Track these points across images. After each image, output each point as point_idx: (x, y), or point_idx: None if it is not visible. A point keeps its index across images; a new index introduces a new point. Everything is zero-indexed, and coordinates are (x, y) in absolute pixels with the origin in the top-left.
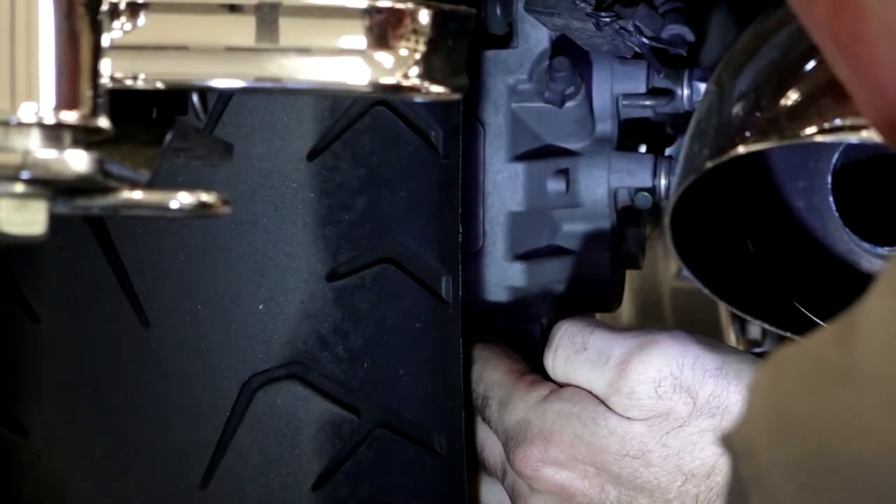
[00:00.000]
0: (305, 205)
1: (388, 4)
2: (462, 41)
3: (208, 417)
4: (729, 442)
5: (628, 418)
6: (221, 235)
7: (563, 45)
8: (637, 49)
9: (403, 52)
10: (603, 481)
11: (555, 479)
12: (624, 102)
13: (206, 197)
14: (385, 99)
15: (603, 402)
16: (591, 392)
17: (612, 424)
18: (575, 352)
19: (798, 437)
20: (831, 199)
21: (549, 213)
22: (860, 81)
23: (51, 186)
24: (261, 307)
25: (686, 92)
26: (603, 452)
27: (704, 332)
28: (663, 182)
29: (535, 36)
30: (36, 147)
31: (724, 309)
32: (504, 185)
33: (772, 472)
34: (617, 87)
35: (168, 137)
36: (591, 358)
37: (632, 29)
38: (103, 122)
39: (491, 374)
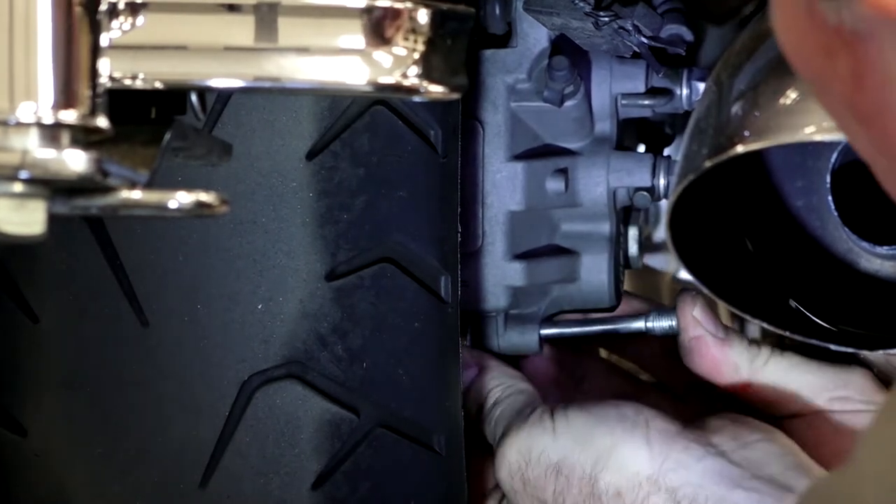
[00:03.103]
0: (304, 204)
1: (387, 4)
2: (461, 40)
3: (208, 417)
4: None
5: None
6: (220, 235)
7: (562, 45)
8: (636, 48)
9: (402, 51)
10: None
11: None
12: (623, 102)
13: (204, 197)
14: (384, 98)
15: None
16: None
17: None
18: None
19: None
20: (830, 198)
21: (548, 213)
22: (883, 153)
23: (49, 186)
24: (260, 307)
25: (685, 91)
26: None
27: None
28: (662, 182)
29: (534, 35)
30: (34, 147)
31: (724, 309)
32: (503, 185)
33: None
34: (616, 87)
35: (167, 137)
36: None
37: (630, 28)
38: (102, 121)
39: None
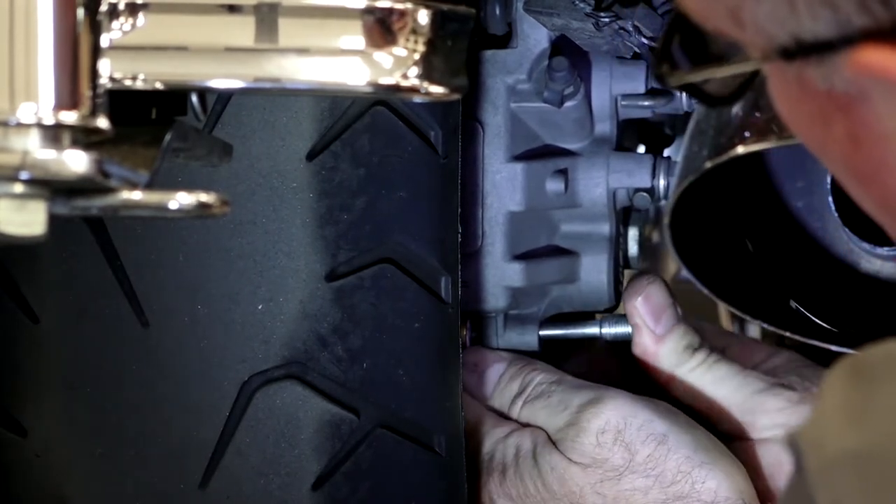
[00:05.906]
0: (305, 205)
1: (388, 5)
2: (461, 41)
3: (208, 417)
4: (798, 436)
5: (569, 459)
6: (221, 235)
7: (562, 45)
8: (636, 49)
9: (402, 52)
10: None
11: None
12: (623, 103)
13: (205, 197)
14: (384, 99)
15: (554, 444)
16: (546, 432)
17: (554, 461)
18: (537, 397)
19: (866, 430)
20: (830, 199)
21: (547, 214)
22: (887, 211)
23: (50, 187)
24: (260, 307)
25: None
26: (545, 490)
27: None
28: (662, 182)
29: (535, 36)
30: (35, 147)
31: (724, 309)
32: (503, 185)
33: (837, 465)
34: (616, 88)
35: (167, 138)
36: (551, 404)
37: (631, 29)
38: (102, 122)
39: (469, 405)
